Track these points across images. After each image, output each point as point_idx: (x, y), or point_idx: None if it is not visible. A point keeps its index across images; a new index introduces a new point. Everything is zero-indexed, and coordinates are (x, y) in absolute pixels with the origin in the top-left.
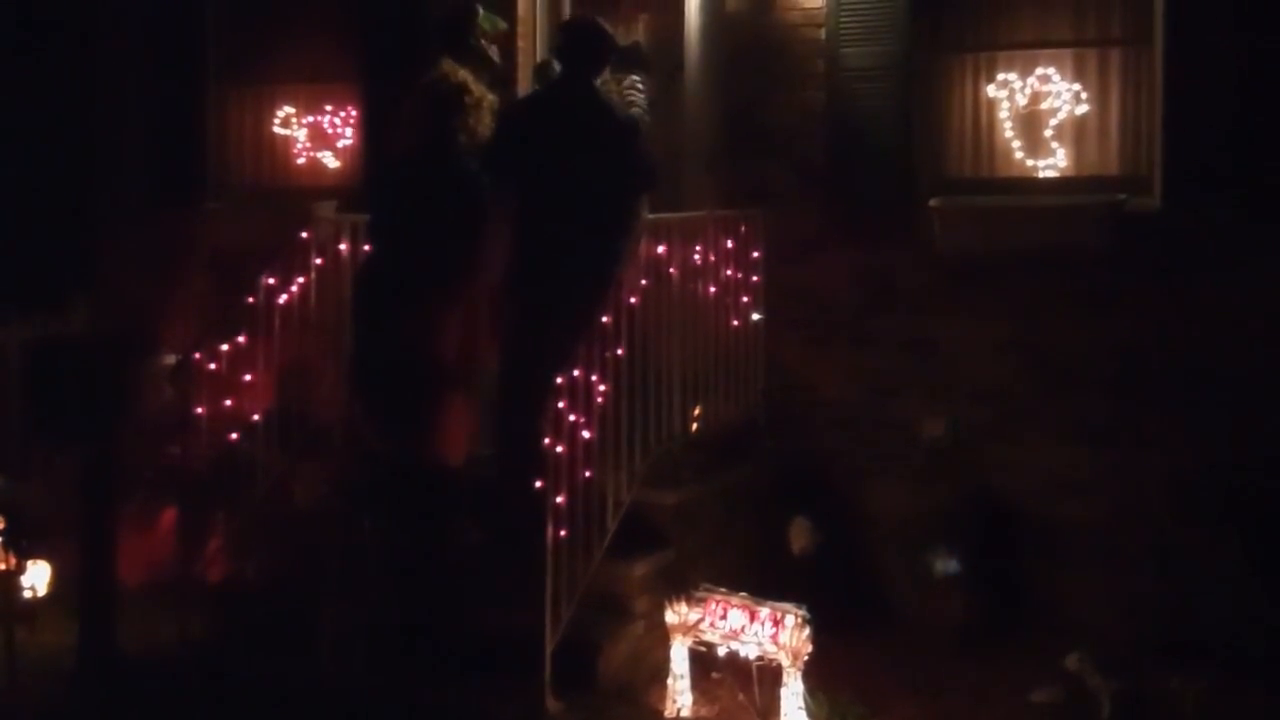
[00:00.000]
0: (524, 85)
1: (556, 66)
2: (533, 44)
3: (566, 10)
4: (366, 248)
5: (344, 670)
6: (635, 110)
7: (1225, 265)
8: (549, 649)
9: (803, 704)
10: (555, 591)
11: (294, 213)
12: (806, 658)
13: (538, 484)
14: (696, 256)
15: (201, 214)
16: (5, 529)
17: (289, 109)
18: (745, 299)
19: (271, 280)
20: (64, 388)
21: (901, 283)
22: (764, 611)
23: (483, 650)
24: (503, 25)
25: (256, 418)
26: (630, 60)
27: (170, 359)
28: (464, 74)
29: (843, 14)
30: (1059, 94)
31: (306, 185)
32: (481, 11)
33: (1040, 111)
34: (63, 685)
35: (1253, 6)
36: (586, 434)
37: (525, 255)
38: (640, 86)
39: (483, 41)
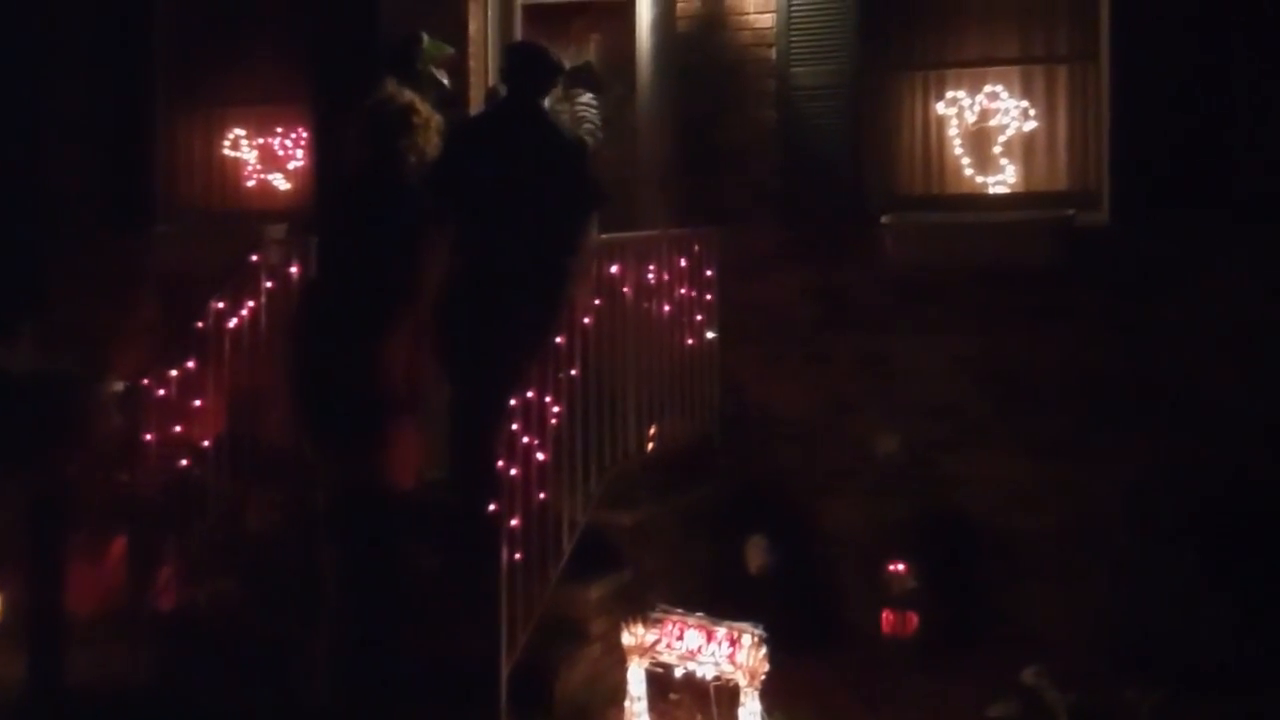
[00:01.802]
0: (476, 106)
1: (502, 89)
2: (484, 65)
3: (518, 31)
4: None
5: (298, 697)
6: (587, 127)
7: (1174, 279)
8: (505, 673)
9: None
10: (511, 615)
11: (244, 236)
12: (764, 677)
13: (492, 507)
14: (650, 275)
15: (150, 238)
16: None
17: (239, 131)
18: (700, 317)
19: (221, 304)
20: (11, 415)
21: (855, 299)
22: (720, 631)
23: (438, 675)
24: (449, 50)
25: (207, 444)
26: (582, 80)
27: (119, 385)
28: (409, 94)
29: (793, 33)
30: (1007, 111)
31: (257, 208)
32: (427, 38)
33: (989, 128)
34: (11, 718)
35: (1198, 23)
36: (541, 456)
37: (471, 276)
38: (593, 106)
39: (430, 66)
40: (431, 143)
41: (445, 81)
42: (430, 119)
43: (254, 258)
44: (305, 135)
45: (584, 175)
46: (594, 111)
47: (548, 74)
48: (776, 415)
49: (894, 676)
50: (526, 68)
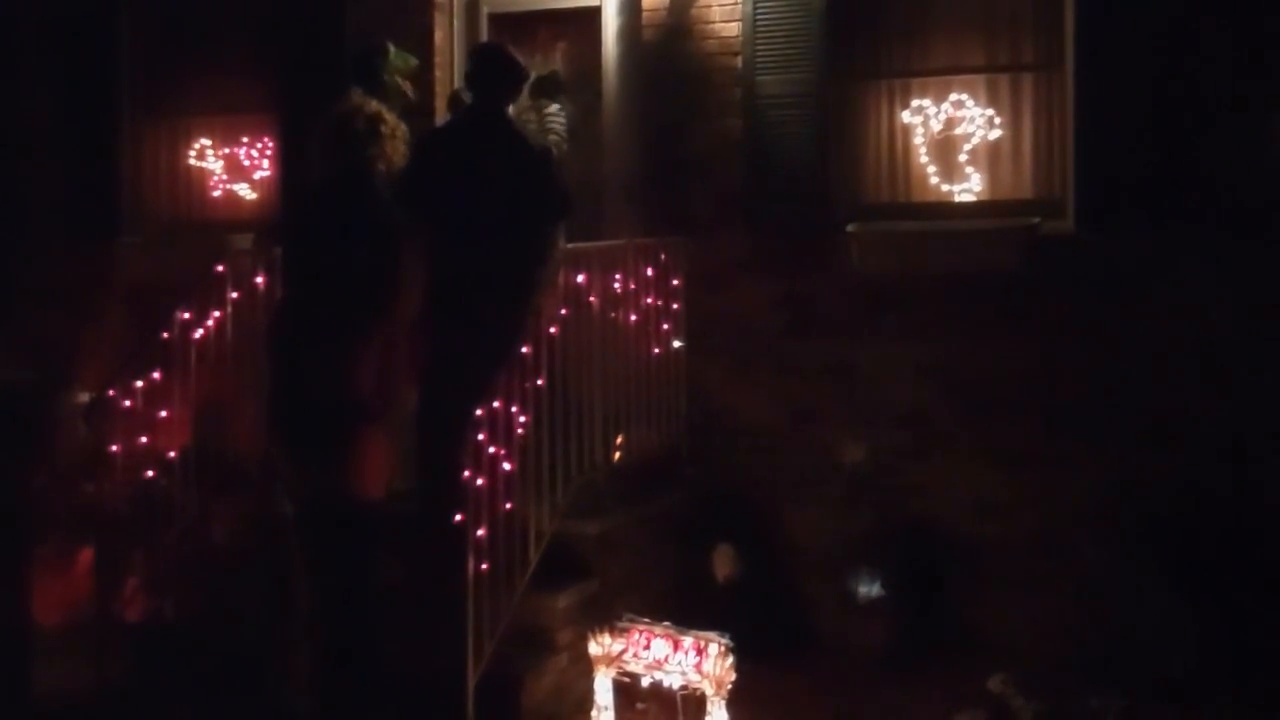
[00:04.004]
0: (440, 116)
1: (467, 95)
2: (449, 74)
3: (483, 39)
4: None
5: (265, 708)
6: (553, 138)
7: (1138, 287)
8: (471, 683)
9: None
10: (477, 625)
11: (210, 246)
12: (730, 686)
13: (458, 517)
14: (617, 285)
15: (116, 248)
16: None
17: (205, 141)
18: (666, 327)
19: (187, 315)
20: None
21: (821, 308)
22: (687, 640)
23: (405, 685)
24: (414, 62)
25: (173, 455)
26: (548, 89)
27: (84, 397)
28: (375, 104)
29: (759, 42)
30: (973, 119)
31: (223, 218)
32: (393, 49)
33: (954, 137)
34: None
35: (1162, 31)
36: (507, 465)
37: (439, 286)
38: (559, 115)
39: (396, 77)
40: (399, 152)
41: (410, 93)
42: (397, 128)
43: (219, 268)
44: (271, 145)
45: (551, 184)
46: (560, 120)
47: (512, 77)
48: (743, 424)
49: (860, 685)
50: (491, 69)
